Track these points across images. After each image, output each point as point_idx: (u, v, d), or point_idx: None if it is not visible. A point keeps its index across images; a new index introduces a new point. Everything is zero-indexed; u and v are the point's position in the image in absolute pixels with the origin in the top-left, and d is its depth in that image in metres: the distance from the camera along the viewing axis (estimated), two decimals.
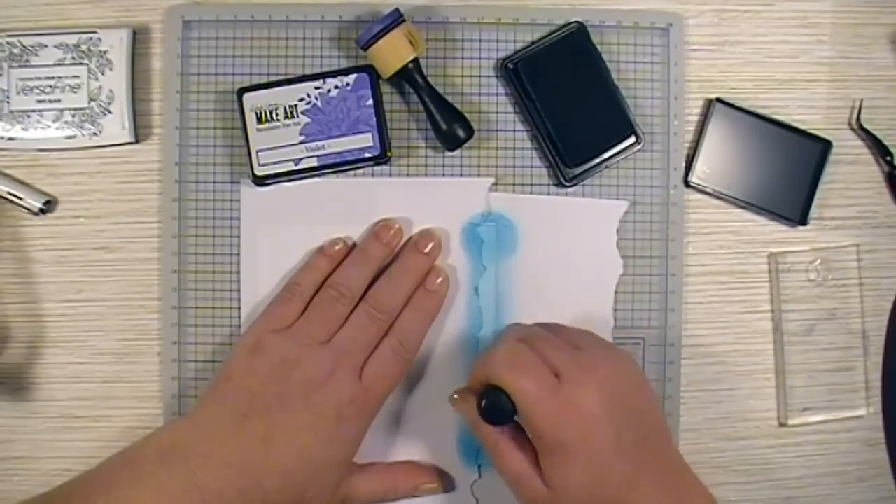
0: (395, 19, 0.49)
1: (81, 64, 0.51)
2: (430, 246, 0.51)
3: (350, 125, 0.51)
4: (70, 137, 0.51)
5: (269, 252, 0.52)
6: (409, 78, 0.50)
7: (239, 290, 0.52)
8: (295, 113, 0.51)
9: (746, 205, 0.53)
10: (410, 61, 0.50)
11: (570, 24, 0.52)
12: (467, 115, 0.51)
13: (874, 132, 0.54)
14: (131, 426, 0.52)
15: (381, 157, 0.51)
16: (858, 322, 0.54)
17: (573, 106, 0.52)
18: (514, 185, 0.53)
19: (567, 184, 0.52)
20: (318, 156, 0.51)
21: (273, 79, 0.52)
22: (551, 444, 0.42)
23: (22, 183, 0.52)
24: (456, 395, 0.48)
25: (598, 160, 0.52)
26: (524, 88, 0.52)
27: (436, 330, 0.52)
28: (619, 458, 0.42)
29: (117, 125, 0.51)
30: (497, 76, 0.53)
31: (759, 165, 0.53)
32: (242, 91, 0.51)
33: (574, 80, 0.52)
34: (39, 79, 0.51)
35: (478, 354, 0.48)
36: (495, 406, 0.43)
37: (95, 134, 0.51)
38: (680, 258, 0.53)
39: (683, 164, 0.53)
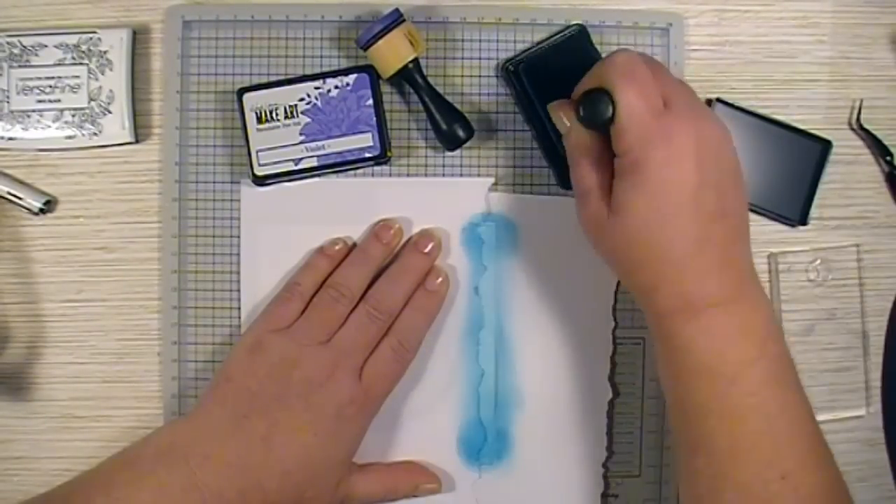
0: (395, 19, 0.49)
1: (81, 64, 0.51)
2: (430, 246, 0.51)
3: (350, 125, 0.51)
4: (70, 137, 0.51)
5: (269, 252, 0.52)
6: (409, 78, 0.50)
7: (239, 290, 0.52)
8: (295, 113, 0.51)
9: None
10: (410, 61, 0.50)
11: (570, 26, 0.52)
12: (467, 115, 0.51)
13: (874, 132, 0.54)
14: (131, 426, 0.52)
15: (381, 157, 0.51)
16: (858, 322, 0.54)
17: None
18: (514, 185, 0.53)
19: (569, 186, 0.52)
20: (318, 156, 0.51)
21: (273, 79, 0.52)
22: (632, 163, 0.41)
23: (22, 183, 0.52)
24: (555, 103, 0.46)
25: None
26: (525, 91, 0.52)
27: (436, 330, 0.52)
28: (690, 213, 0.40)
29: (117, 125, 0.51)
30: (497, 76, 0.53)
31: (759, 165, 0.53)
32: (242, 91, 0.51)
33: (575, 82, 0.52)
34: (39, 79, 0.51)
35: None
36: (596, 105, 0.42)
37: (95, 134, 0.51)
38: None
39: None
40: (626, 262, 0.43)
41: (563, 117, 0.46)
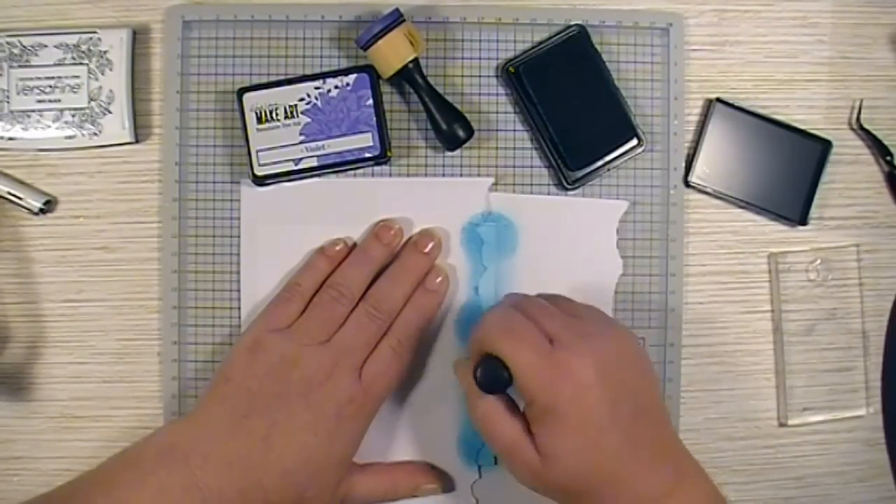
0: (395, 19, 0.49)
1: (81, 64, 0.51)
2: (430, 246, 0.51)
3: (350, 125, 0.51)
4: (70, 137, 0.51)
5: (269, 252, 0.52)
6: (409, 78, 0.50)
7: (239, 290, 0.52)
8: (295, 113, 0.51)
9: (746, 205, 0.53)
10: (410, 61, 0.50)
11: (571, 27, 0.52)
12: (467, 116, 0.51)
13: (874, 132, 0.54)
14: (131, 426, 0.52)
15: (381, 157, 0.51)
16: (858, 322, 0.54)
17: (575, 109, 0.52)
18: (514, 185, 0.53)
19: (569, 187, 0.52)
20: (318, 156, 0.51)
21: (273, 79, 0.52)
22: (543, 408, 0.42)
23: (22, 183, 0.52)
24: (456, 366, 0.48)
25: (600, 163, 0.52)
26: (526, 92, 0.52)
27: (436, 330, 0.52)
28: (613, 428, 0.42)
29: (117, 125, 0.51)
30: (497, 76, 0.53)
31: (759, 165, 0.53)
32: (242, 91, 0.51)
33: (576, 83, 0.52)
34: (39, 79, 0.51)
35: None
36: (490, 374, 0.43)
37: (95, 134, 0.51)
38: (680, 258, 0.53)
39: (683, 164, 0.54)
40: (573, 497, 0.43)
41: (466, 386, 0.46)
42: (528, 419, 0.43)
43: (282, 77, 0.52)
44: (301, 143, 0.51)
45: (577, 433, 0.42)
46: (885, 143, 0.54)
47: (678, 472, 0.43)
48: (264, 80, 0.52)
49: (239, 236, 0.52)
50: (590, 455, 0.42)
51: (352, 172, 0.53)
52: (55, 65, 0.51)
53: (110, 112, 0.51)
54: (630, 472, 0.42)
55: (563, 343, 0.43)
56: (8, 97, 0.51)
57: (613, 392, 0.42)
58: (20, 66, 0.51)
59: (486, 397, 0.45)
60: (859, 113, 0.54)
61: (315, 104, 0.51)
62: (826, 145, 0.54)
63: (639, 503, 0.42)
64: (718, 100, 0.53)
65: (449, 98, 0.51)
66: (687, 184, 0.53)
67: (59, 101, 0.51)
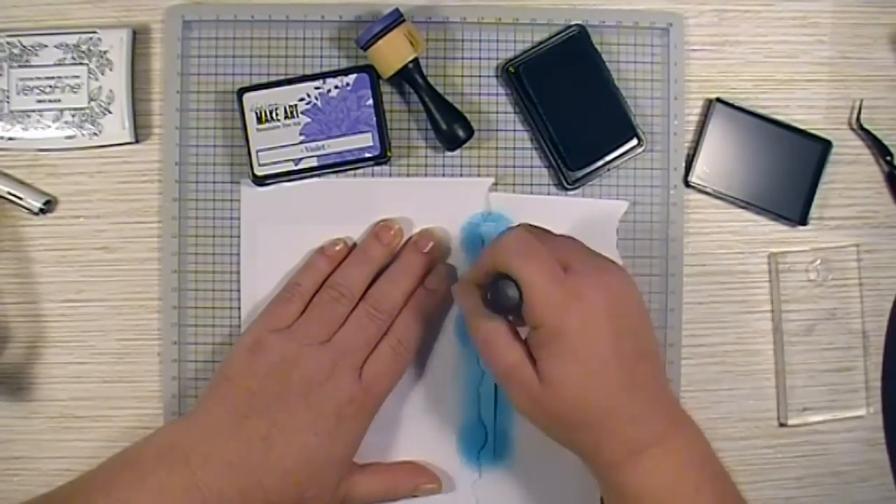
0: (395, 19, 0.49)
1: (81, 64, 0.51)
2: (430, 246, 0.51)
3: (350, 125, 0.51)
4: (70, 137, 0.51)
5: (269, 252, 0.52)
6: (409, 78, 0.50)
7: (239, 290, 0.52)
8: (295, 113, 0.51)
9: (746, 205, 0.53)
10: (410, 61, 0.50)
11: (571, 27, 0.52)
12: (467, 116, 0.51)
13: (874, 132, 0.54)
14: (131, 426, 0.52)
15: (381, 157, 0.51)
16: (858, 322, 0.54)
17: (575, 110, 0.52)
18: (514, 185, 0.53)
19: (569, 187, 0.52)
20: (318, 156, 0.51)
21: (273, 79, 0.52)
22: (550, 332, 0.41)
23: (22, 183, 0.52)
24: (459, 286, 0.47)
25: (600, 163, 0.52)
26: (526, 92, 0.52)
27: (436, 330, 0.52)
28: (616, 364, 0.41)
29: (117, 125, 0.51)
30: (497, 76, 0.53)
31: (759, 165, 0.53)
32: (242, 91, 0.51)
33: (576, 83, 0.52)
34: (39, 79, 0.51)
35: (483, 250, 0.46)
36: (501, 292, 0.42)
37: (95, 134, 0.51)
38: (680, 258, 0.53)
39: (683, 164, 0.54)
40: (567, 427, 0.43)
41: (467, 306, 0.46)
42: (530, 346, 0.43)
43: (282, 77, 0.52)
44: (301, 143, 0.51)
45: (581, 361, 0.41)
46: (885, 143, 0.54)
47: (672, 421, 0.43)
48: (264, 80, 0.52)
49: (239, 236, 0.52)
50: (590, 386, 0.41)
51: (352, 172, 0.53)
52: (55, 65, 0.51)
53: (110, 112, 0.51)
54: (626, 412, 0.42)
55: (577, 271, 0.42)
56: (8, 97, 0.51)
57: (619, 328, 0.42)
58: (20, 66, 0.51)
59: (490, 319, 0.44)
60: (859, 113, 0.54)
61: (315, 104, 0.51)
62: (826, 145, 0.54)
63: (630, 445, 0.42)
64: (718, 100, 0.53)
65: (449, 98, 0.51)
66: (687, 184, 0.53)
67: (59, 101, 0.51)
